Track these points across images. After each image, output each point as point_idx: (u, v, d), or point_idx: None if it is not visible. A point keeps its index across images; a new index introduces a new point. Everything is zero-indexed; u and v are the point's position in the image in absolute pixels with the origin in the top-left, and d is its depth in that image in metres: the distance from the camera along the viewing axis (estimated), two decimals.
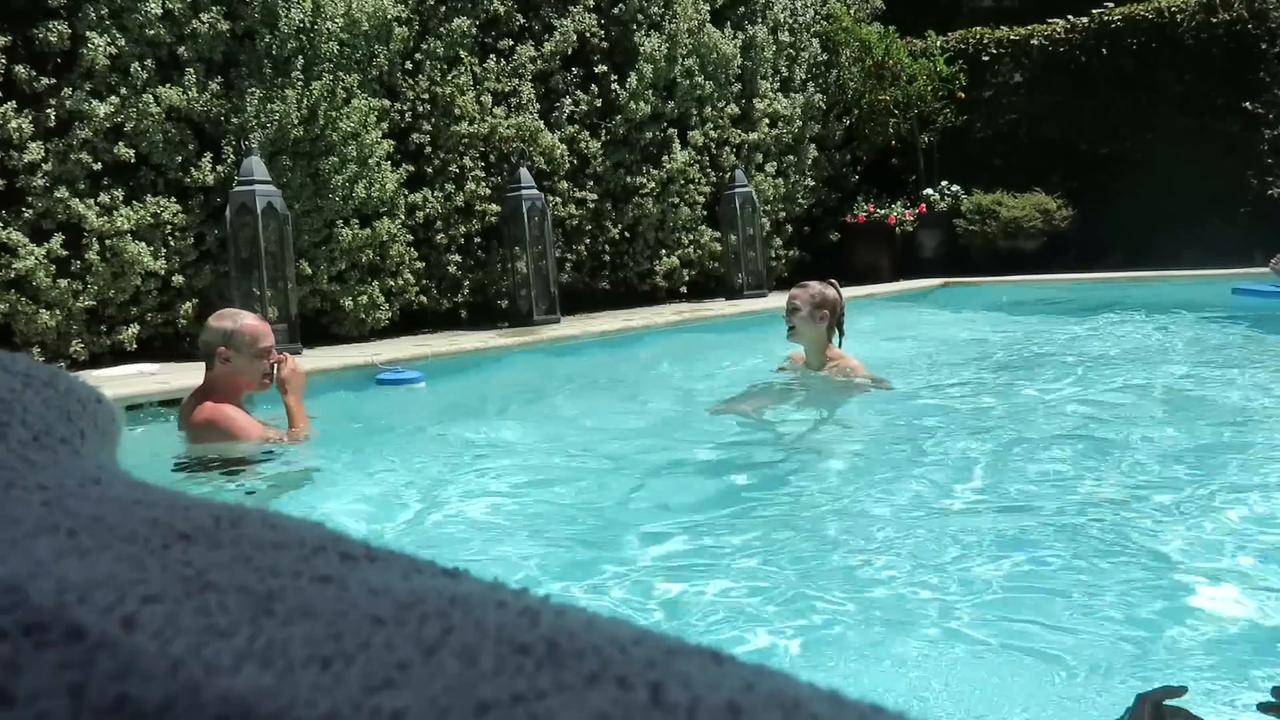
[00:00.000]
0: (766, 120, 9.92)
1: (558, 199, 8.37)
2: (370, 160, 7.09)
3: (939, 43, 10.92)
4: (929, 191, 10.57)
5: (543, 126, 8.23)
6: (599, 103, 8.68)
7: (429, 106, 7.71)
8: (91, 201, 6.09)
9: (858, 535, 2.69)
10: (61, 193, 5.96)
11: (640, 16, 8.90)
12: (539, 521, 2.96)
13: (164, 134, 6.31)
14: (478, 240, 8.01)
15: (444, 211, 7.76)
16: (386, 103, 7.39)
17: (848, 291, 4.61)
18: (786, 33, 10.27)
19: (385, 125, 7.34)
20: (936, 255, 10.34)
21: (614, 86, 8.75)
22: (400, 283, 7.44)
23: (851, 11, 10.86)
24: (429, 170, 7.76)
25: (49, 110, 6.00)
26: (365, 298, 7.17)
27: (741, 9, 9.89)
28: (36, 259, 5.86)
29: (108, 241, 6.10)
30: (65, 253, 5.99)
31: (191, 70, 6.39)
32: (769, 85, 9.99)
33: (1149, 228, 9.68)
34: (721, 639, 2.03)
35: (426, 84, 7.66)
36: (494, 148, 8.02)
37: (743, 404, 4.38)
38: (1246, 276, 7.46)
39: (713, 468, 3.53)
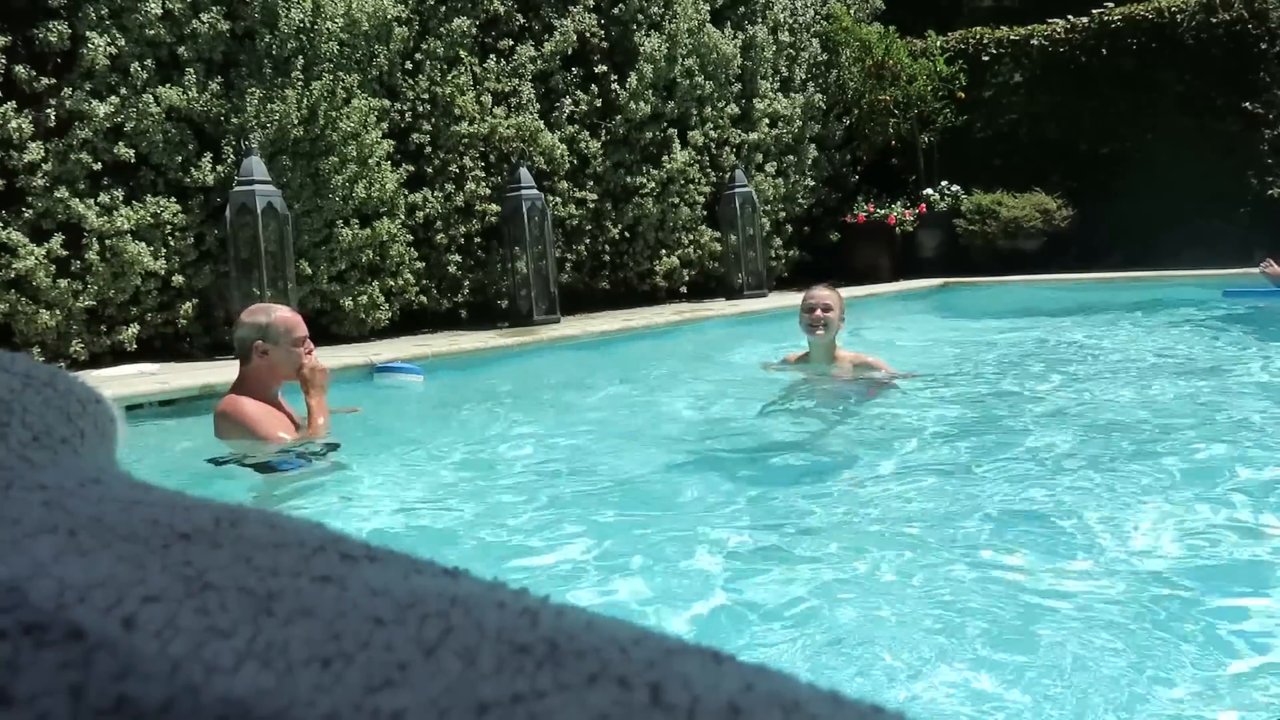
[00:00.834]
0: (766, 120, 9.92)
1: (558, 199, 8.37)
2: (370, 160, 7.10)
3: (939, 43, 10.92)
4: (929, 191, 10.57)
5: (543, 126, 8.23)
6: (599, 103, 8.69)
7: (429, 106, 7.71)
8: (91, 201, 6.09)
9: (857, 536, 2.70)
10: (61, 193, 5.96)
11: (640, 16, 8.90)
12: (539, 521, 2.95)
13: (164, 134, 6.31)
14: (478, 240, 8.01)
15: (444, 211, 7.77)
16: (386, 103, 7.40)
17: (847, 292, 4.81)
18: (786, 33, 10.27)
19: (385, 125, 7.34)
20: (936, 255, 10.35)
21: (614, 86, 8.75)
22: (400, 283, 7.44)
23: (851, 11, 10.86)
24: (429, 170, 7.76)
25: (49, 110, 6.00)
26: (365, 298, 7.17)
27: (741, 9, 9.89)
28: (36, 259, 5.86)
29: (108, 241, 6.10)
30: (65, 253, 5.99)
31: (191, 70, 6.39)
32: (769, 85, 9.99)
33: (1149, 227, 9.68)
34: (721, 640, 2.03)
35: (426, 84, 7.66)
36: (494, 148, 8.02)
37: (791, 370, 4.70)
38: (1239, 278, 7.45)
39: (713, 467, 3.53)
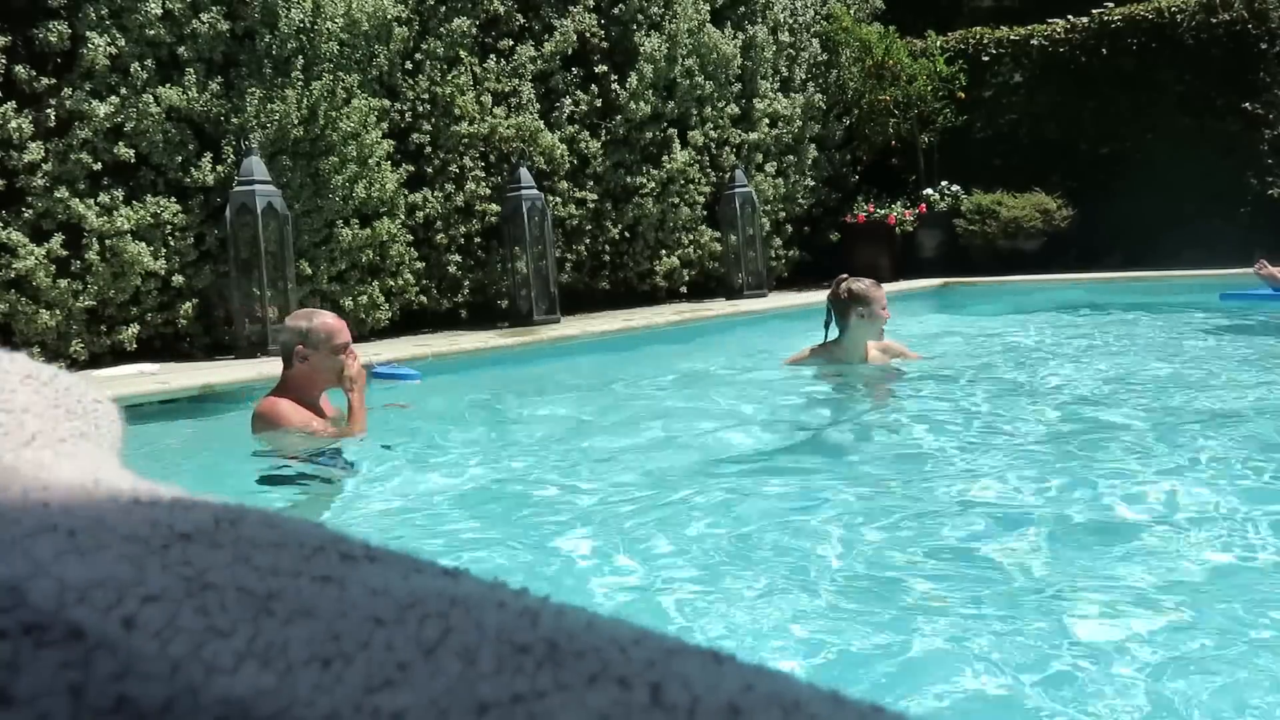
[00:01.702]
0: (766, 120, 9.91)
1: (558, 199, 8.37)
2: (370, 160, 7.10)
3: (939, 43, 10.91)
4: (929, 191, 10.56)
5: (543, 126, 8.23)
6: (599, 103, 8.69)
7: (429, 106, 7.71)
8: (91, 201, 6.09)
9: (863, 534, 2.70)
10: (61, 193, 5.96)
11: (640, 16, 8.90)
12: (539, 521, 2.95)
13: (164, 134, 6.31)
14: (478, 240, 8.01)
15: (444, 211, 7.77)
16: (386, 103, 7.40)
17: None
18: (786, 33, 10.27)
19: (385, 125, 7.34)
20: (936, 255, 10.34)
21: (614, 86, 8.75)
22: (400, 283, 7.45)
23: (851, 11, 10.85)
24: (429, 170, 7.76)
25: (49, 110, 6.00)
26: (365, 298, 7.18)
27: (741, 9, 9.89)
28: (36, 259, 5.86)
29: (108, 241, 6.11)
30: (65, 253, 5.99)
31: (191, 70, 6.40)
32: (769, 85, 9.98)
33: (1149, 227, 9.67)
34: (721, 640, 2.03)
35: (426, 84, 7.66)
36: (494, 148, 8.02)
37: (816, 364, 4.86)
38: (1239, 278, 7.44)
39: (715, 466, 3.53)
